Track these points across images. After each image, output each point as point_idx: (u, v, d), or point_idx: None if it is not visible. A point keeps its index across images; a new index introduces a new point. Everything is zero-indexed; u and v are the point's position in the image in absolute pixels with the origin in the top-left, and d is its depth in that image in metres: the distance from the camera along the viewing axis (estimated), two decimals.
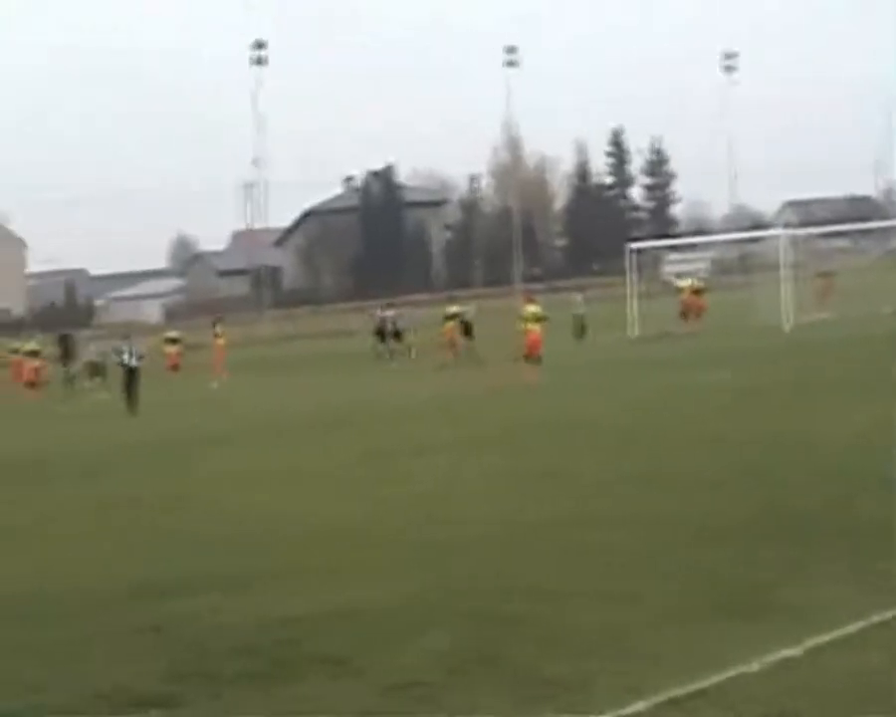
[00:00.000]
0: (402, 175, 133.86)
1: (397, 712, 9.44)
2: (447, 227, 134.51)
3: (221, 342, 52.46)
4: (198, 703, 9.98)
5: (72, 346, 51.03)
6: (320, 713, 9.54)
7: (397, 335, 51.43)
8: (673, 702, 9.09)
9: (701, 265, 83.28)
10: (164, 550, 16.06)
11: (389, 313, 53.53)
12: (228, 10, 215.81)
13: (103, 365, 46.76)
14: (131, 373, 37.65)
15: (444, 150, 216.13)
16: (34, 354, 48.90)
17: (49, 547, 17.04)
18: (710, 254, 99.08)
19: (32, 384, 47.54)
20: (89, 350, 47.53)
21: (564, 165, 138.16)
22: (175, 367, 52.11)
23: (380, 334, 53.10)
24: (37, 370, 48.20)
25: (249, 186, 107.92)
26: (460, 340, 45.48)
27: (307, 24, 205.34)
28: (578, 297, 52.78)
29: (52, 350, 53.22)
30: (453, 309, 47.33)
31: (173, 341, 54.29)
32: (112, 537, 17.35)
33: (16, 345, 52.23)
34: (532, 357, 37.07)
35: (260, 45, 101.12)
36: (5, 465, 26.81)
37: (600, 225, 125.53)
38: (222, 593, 13.41)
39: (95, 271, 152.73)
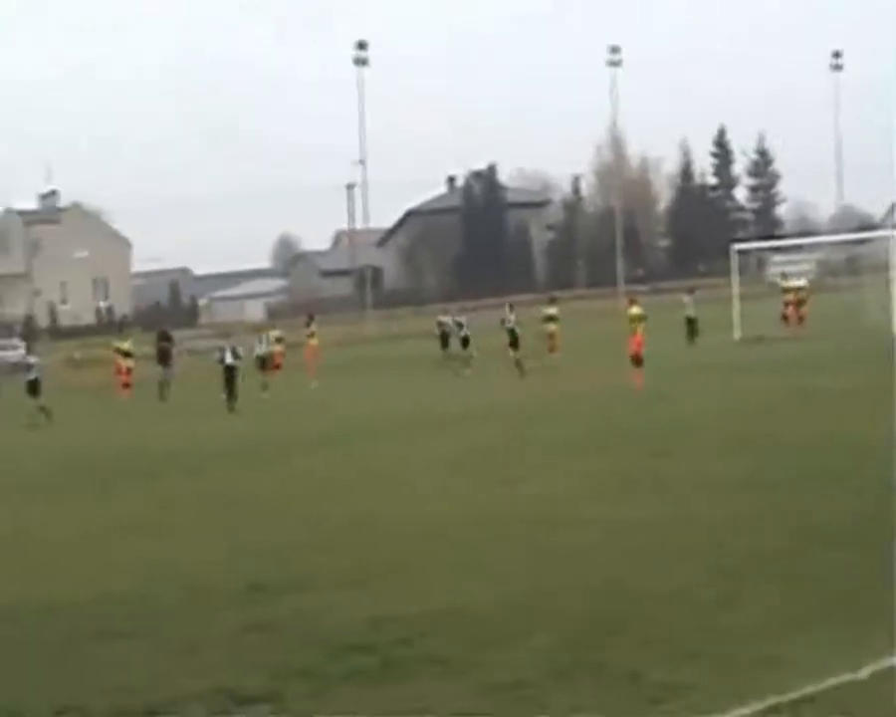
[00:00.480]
0: (504, 176, 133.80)
1: (499, 713, 9.37)
2: (549, 227, 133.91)
3: (314, 341, 52.18)
4: (304, 701, 10.00)
5: (168, 345, 50.82)
6: (424, 713, 9.45)
7: (465, 340, 49.75)
8: (777, 709, 8.86)
9: (807, 266, 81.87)
10: (272, 549, 16.22)
11: (447, 318, 52.49)
12: (328, 10, 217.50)
13: (270, 357, 46.85)
14: (230, 372, 38.26)
15: (546, 151, 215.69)
16: (127, 354, 49.22)
17: (158, 545, 17.24)
18: (816, 255, 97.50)
19: (126, 385, 47.87)
20: (257, 343, 46.99)
21: (668, 166, 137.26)
22: (278, 367, 52.10)
23: (443, 340, 52.22)
24: (129, 370, 48.56)
25: (351, 186, 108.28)
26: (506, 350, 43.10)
27: (409, 23, 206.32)
28: (687, 298, 51.33)
29: (150, 349, 53.49)
30: (511, 316, 44.62)
31: (277, 340, 54.26)
32: (219, 535, 17.58)
33: (115, 343, 52.62)
34: (635, 358, 36.71)
35: (362, 45, 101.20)
36: (108, 463, 27.08)
37: (704, 226, 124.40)
38: (334, 591, 13.56)
39: (199, 271, 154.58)
